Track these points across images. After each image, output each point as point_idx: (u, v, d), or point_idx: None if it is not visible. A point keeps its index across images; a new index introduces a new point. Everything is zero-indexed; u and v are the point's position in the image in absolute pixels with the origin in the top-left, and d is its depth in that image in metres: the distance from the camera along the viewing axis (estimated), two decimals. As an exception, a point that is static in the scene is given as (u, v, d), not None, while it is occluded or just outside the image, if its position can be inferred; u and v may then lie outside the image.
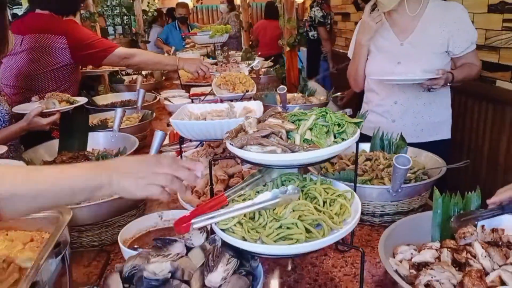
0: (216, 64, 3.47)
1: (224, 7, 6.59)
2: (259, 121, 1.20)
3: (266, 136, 1.09)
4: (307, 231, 0.95)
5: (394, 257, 1.08)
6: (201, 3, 8.08)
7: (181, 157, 1.81)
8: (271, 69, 3.92)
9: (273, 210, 1.01)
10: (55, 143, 2.07)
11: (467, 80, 2.11)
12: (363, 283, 1.03)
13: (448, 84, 2.03)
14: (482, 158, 3.27)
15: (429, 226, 1.19)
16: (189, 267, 0.94)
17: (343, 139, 1.08)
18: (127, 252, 1.20)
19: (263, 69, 3.93)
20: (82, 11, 3.64)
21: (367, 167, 1.60)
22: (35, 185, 0.86)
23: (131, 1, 6.48)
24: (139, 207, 1.54)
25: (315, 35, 5.22)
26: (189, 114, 1.71)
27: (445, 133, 2.20)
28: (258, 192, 1.08)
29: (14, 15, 6.33)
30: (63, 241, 1.00)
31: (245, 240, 0.94)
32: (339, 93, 2.72)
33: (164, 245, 1.00)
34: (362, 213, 1.47)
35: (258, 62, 3.28)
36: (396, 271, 1.01)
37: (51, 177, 0.88)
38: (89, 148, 2.10)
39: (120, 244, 1.23)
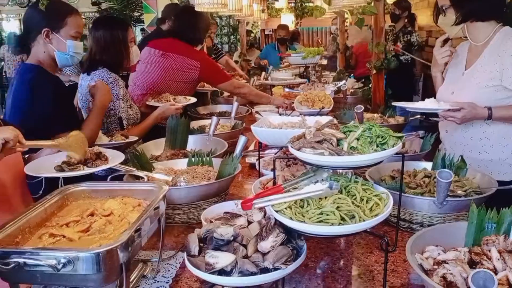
0: (305, 83, 3.75)
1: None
2: (318, 130, 1.45)
3: (319, 142, 1.34)
4: (342, 219, 1.18)
5: (422, 254, 1.24)
6: (300, 25, 8.50)
7: (259, 161, 2.11)
8: (359, 90, 4.10)
9: (318, 201, 1.26)
10: (162, 141, 2.53)
11: None
12: (386, 269, 1.22)
13: (488, 120, 1.88)
14: None
15: (463, 234, 1.33)
16: (247, 235, 1.22)
17: (384, 149, 1.29)
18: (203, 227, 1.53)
19: (351, 89, 4.12)
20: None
21: (425, 183, 1.75)
22: None
23: (237, 22, 7.09)
24: (221, 195, 1.87)
25: (408, 59, 5.23)
26: (269, 123, 2.02)
27: (503, 175, 1.98)
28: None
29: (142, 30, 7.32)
30: (160, 207, 1.35)
31: (291, 219, 1.20)
32: (418, 116, 2.82)
33: (231, 217, 1.31)
34: (411, 222, 1.64)
35: (344, 83, 3.50)
36: (420, 265, 1.19)
37: None
38: (188, 148, 2.53)
39: (203, 221, 1.57)
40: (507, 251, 1.16)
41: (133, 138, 2.29)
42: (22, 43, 2.02)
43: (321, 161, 1.27)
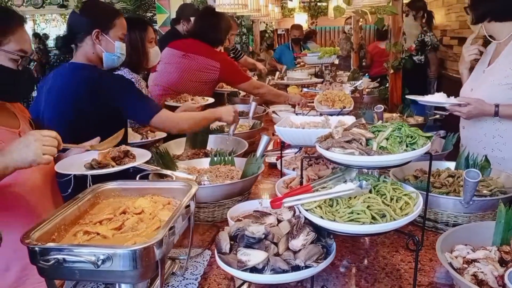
0: (321, 83, 3.76)
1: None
2: (346, 130, 1.46)
3: (349, 142, 1.35)
4: (373, 218, 1.19)
5: (451, 253, 1.25)
6: (316, 24, 8.49)
7: (281, 160, 2.13)
8: (375, 90, 4.09)
9: (348, 200, 1.27)
10: (182, 140, 2.56)
11: None
12: (417, 267, 1.23)
13: (494, 117, 1.93)
14: None
15: (491, 233, 1.33)
16: (278, 233, 1.24)
17: (413, 149, 1.30)
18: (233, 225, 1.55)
19: (367, 89, 4.11)
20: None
21: (449, 182, 1.75)
22: None
23: (251, 23, 7.12)
24: (244, 194, 1.89)
25: (422, 60, 5.19)
26: (291, 123, 2.03)
27: None
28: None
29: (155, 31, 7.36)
30: (190, 205, 1.38)
31: (322, 218, 1.22)
32: (438, 115, 2.82)
33: (261, 216, 1.33)
34: (436, 221, 1.64)
35: (361, 82, 3.50)
36: (450, 264, 1.20)
37: None
38: (208, 147, 2.56)
39: (229, 219, 1.59)
40: (538, 250, 1.16)
41: (160, 136, 2.32)
42: (68, 44, 2.06)
43: (350, 161, 1.28)
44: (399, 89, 3.58)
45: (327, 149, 1.35)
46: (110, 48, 2.04)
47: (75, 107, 1.96)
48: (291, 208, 1.33)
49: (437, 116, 2.82)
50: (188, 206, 1.34)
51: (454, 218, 1.59)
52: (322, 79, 4.12)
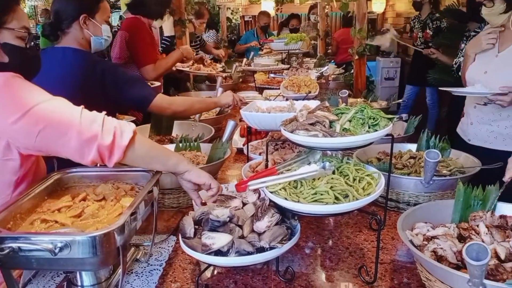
0: (288, 69, 3.76)
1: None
2: (310, 113, 1.47)
3: (312, 124, 1.36)
4: (336, 198, 1.20)
5: (412, 231, 1.28)
6: (281, 11, 8.47)
7: (248, 145, 2.12)
8: (341, 76, 4.13)
9: (312, 182, 1.28)
10: (146, 127, 2.51)
11: None
12: (379, 245, 1.26)
13: None
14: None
15: (450, 211, 1.38)
16: (243, 216, 1.24)
17: (375, 130, 1.31)
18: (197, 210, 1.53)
19: (333, 76, 4.15)
20: (174, 18, 4.14)
21: (410, 163, 1.79)
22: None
23: (218, 9, 7.02)
24: (210, 180, 1.87)
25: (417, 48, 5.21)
26: (257, 108, 2.02)
27: None
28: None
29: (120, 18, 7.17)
30: (154, 191, 1.35)
31: (286, 200, 1.22)
32: (400, 100, 2.89)
33: (226, 199, 1.31)
34: (398, 201, 1.68)
35: (327, 69, 3.52)
36: (410, 241, 1.23)
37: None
38: (173, 134, 2.51)
39: (194, 204, 1.57)
40: (494, 226, 1.20)
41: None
42: (55, 31, 2.03)
43: (314, 143, 1.28)
44: (363, 75, 3.63)
45: (292, 131, 1.35)
46: (98, 32, 2.05)
47: (83, 92, 1.92)
48: (256, 191, 1.33)
49: (399, 100, 2.89)
50: (151, 192, 1.31)
51: (415, 198, 1.63)
52: (288, 65, 4.12)
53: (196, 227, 1.26)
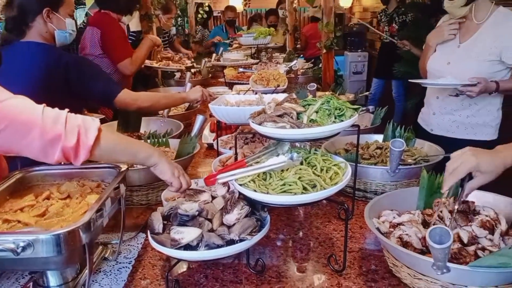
0: (257, 63, 3.76)
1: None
2: (278, 105, 1.47)
3: (280, 116, 1.36)
4: (305, 188, 1.21)
5: (379, 219, 1.31)
6: (249, 6, 8.45)
7: (217, 140, 2.11)
8: (309, 70, 4.17)
9: (281, 173, 1.28)
10: (113, 124, 2.45)
11: None
12: (347, 234, 1.28)
13: (493, 92, 2.06)
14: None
15: (415, 199, 1.41)
16: (212, 209, 1.23)
17: (341, 121, 1.33)
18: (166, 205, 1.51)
19: (302, 70, 4.18)
20: (141, 13, 4.07)
21: (377, 154, 1.83)
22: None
23: (185, 4, 6.93)
24: (180, 175, 1.85)
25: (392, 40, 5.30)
26: (226, 102, 2.01)
27: (486, 135, 2.23)
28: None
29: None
30: (120, 187, 1.32)
31: (255, 192, 1.22)
32: (367, 92, 2.94)
33: (195, 193, 1.30)
34: (365, 191, 1.71)
35: (295, 63, 3.54)
36: (377, 229, 1.25)
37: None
38: (141, 130, 2.47)
39: (163, 201, 1.55)
40: (457, 211, 1.24)
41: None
42: (19, 25, 1.99)
43: (282, 134, 1.29)
44: (331, 68, 3.67)
45: (260, 124, 1.35)
46: (62, 26, 2.05)
47: (48, 87, 1.90)
48: (225, 184, 1.32)
49: (366, 93, 2.94)
50: (117, 188, 1.29)
51: (382, 187, 1.66)
52: (258, 60, 4.13)
53: (165, 222, 1.25)
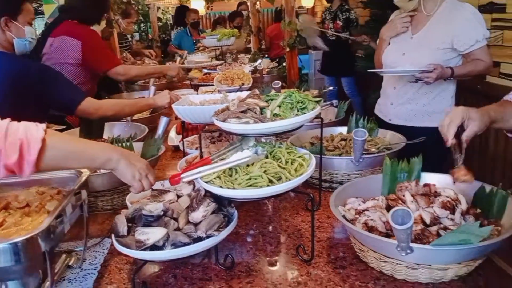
0: (222, 64, 3.75)
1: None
2: (241, 101, 1.47)
3: (244, 112, 1.36)
4: (270, 181, 1.21)
5: (345, 207, 1.33)
6: (211, 9, 8.44)
7: (183, 141, 2.09)
8: (274, 69, 4.20)
9: (247, 168, 1.28)
10: (75, 131, 2.39)
11: (474, 75, 2.23)
12: (314, 223, 1.29)
13: (449, 78, 2.15)
14: (474, 147, 3.47)
15: (379, 186, 1.44)
16: (178, 209, 1.21)
17: (304, 113, 1.34)
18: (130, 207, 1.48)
19: (267, 69, 4.20)
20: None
21: (341, 145, 1.85)
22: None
23: (147, 9, 6.85)
24: (146, 178, 1.82)
25: (348, 36, 5.41)
26: (190, 102, 1.99)
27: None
28: (234, 154, 1.35)
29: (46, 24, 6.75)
30: (82, 192, 1.29)
31: (221, 188, 1.21)
32: (330, 87, 2.99)
33: (159, 194, 1.28)
34: (332, 182, 1.73)
35: (260, 62, 3.56)
36: (344, 216, 1.27)
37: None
38: (105, 136, 2.41)
39: (128, 204, 1.51)
40: (419, 194, 1.28)
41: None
42: None
43: (246, 130, 1.29)
44: (295, 66, 3.71)
45: (224, 120, 1.34)
46: (21, 34, 2.02)
47: (11, 97, 1.88)
48: (190, 182, 1.31)
49: (330, 88, 2.99)
50: (78, 193, 1.25)
51: (347, 177, 1.69)
52: (223, 61, 4.12)
53: (130, 224, 1.22)
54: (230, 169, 1.29)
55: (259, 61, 3.62)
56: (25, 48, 2.05)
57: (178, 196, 1.28)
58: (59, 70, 2.81)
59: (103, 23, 3.96)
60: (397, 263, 1.10)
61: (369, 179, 1.48)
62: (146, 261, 1.19)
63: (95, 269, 1.33)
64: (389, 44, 2.35)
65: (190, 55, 4.62)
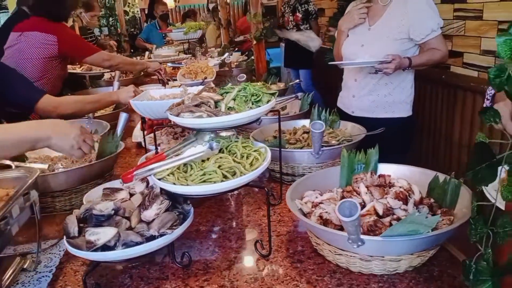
0: (188, 58, 3.70)
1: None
2: (196, 95, 1.44)
3: (198, 105, 1.34)
4: (225, 176, 1.20)
5: (302, 200, 1.33)
6: (179, 2, 8.32)
7: (145, 138, 2.05)
8: (243, 62, 4.17)
9: (201, 163, 1.26)
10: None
11: (431, 64, 2.25)
12: (269, 217, 1.28)
13: (407, 68, 2.18)
14: (440, 136, 3.55)
15: (338, 178, 1.45)
16: (130, 207, 1.19)
17: (259, 106, 1.33)
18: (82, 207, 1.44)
19: (236, 63, 4.17)
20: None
21: (304, 138, 1.85)
22: None
23: (113, 2, 6.69)
24: (105, 176, 1.78)
25: (307, 28, 5.46)
26: (150, 97, 1.95)
27: (402, 112, 2.37)
28: (190, 150, 1.33)
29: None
30: (31, 193, 1.24)
31: (174, 185, 1.19)
32: (297, 80, 3.00)
33: (112, 192, 1.25)
34: (293, 175, 1.73)
35: (227, 55, 3.52)
36: (300, 209, 1.27)
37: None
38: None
39: (84, 203, 1.47)
40: (374, 185, 1.28)
41: None
42: None
43: (200, 124, 1.27)
44: (263, 59, 3.69)
45: (177, 115, 1.32)
46: None
47: None
48: (144, 180, 1.28)
49: (296, 81, 3.00)
50: (27, 194, 1.21)
51: (308, 169, 1.69)
52: (189, 55, 4.07)
53: (82, 225, 1.19)
54: (185, 165, 1.27)
55: (226, 54, 3.58)
56: None
57: (131, 194, 1.25)
58: (25, 65, 2.79)
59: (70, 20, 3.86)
60: (351, 256, 1.11)
61: (327, 171, 1.49)
62: (98, 262, 1.16)
63: (50, 272, 1.29)
64: (348, 36, 2.36)
65: (157, 49, 4.54)
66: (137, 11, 8.30)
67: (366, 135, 1.80)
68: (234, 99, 1.36)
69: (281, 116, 2.21)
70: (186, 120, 1.28)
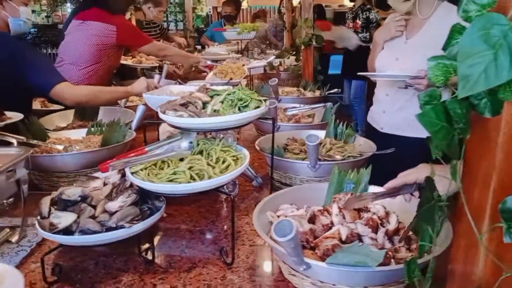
0: (238, 58, 3.73)
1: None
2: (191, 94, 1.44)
3: (184, 105, 1.34)
4: (193, 178, 1.18)
5: (276, 212, 1.27)
6: (248, 2, 8.40)
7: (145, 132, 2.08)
8: (291, 67, 4.12)
9: (177, 162, 1.26)
10: (70, 112, 2.47)
11: None
12: (234, 225, 1.25)
13: (442, 86, 2.03)
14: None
15: (324, 194, 1.37)
16: (98, 196, 1.21)
17: (245, 111, 1.30)
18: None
19: (285, 66, 4.14)
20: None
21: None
22: None
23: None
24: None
25: (367, 37, 5.27)
26: (169, 92, 1.99)
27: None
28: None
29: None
30: (17, 171, 1.31)
31: (143, 180, 1.20)
32: (335, 89, 2.89)
33: (87, 180, 1.29)
34: (290, 185, 1.67)
35: (272, 58, 3.50)
36: (270, 222, 1.22)
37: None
38: (99, 119, 2.47)
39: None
40: (352, 208, 1.19)
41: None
42: None
43: (179, 123, 1.28)
44: (310, 65, 3.62)
45: (164, 112, 1.33)
46: (15, 13, 2.10)
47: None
48: (120, 171, 1.30)
49: (335, 90, 2.89)
50: (11, 171, 1.28)
51: (306, 182, 1.62)
52: (240, 55, 4.09)
53: (55, 207, 1.23)
54: (163, 162, 1.28)
55: (272, 57, 3.56)
56: (20, 28, 2.13)
57: (105, 184, 1.28)
58: (83, 51, 2.97)
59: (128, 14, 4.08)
60: (303, 278, 1.04)
61: (314, 187, 1.42)
62: (60, 245, 1.20)
63: (29, 247, 1.36)
64: (383, 48, 2.23)
65: (210, 48, 4.63)
66: (209, 9, 8.57)
67: (379, 154, 1.69)
68: (222, 102, 1.34)
69: (300, 124, 2.16)
70: (169, 118, 1.29)
